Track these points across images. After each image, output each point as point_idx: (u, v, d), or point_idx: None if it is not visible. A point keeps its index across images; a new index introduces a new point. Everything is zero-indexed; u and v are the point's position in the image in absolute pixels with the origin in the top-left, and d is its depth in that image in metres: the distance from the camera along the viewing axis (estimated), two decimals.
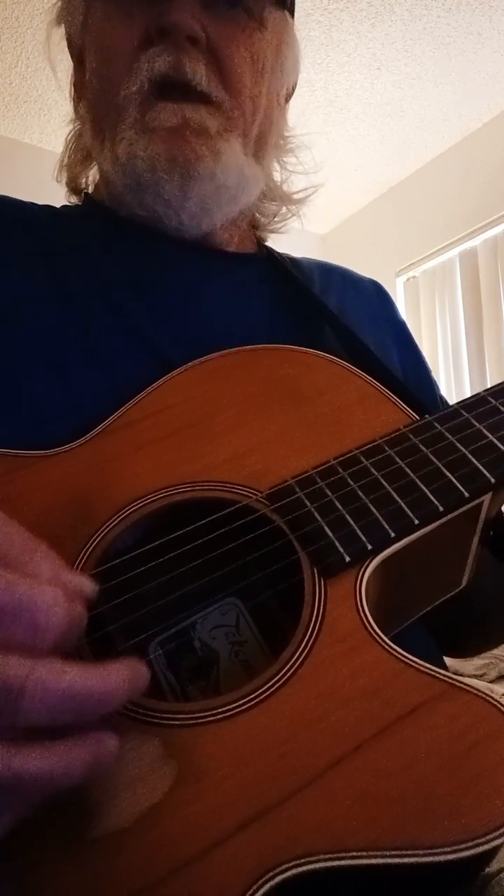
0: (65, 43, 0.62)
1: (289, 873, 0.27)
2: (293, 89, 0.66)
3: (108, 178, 0.59)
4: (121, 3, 0.53)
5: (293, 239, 0.71)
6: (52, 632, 0.27)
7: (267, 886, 0.27)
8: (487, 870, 0.43)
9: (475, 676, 1.75)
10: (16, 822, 0.27)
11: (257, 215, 0.68)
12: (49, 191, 0.69)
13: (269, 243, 0.71)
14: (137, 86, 0.51)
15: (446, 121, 2.59)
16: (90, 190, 0.66)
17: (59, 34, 0.62)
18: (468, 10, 2.04)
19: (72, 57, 0.62)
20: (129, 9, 0.52)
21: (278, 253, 0.69)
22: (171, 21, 0.50)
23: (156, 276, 0.57)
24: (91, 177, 0.65)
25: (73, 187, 0.66)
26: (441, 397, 0.69)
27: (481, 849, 0.27)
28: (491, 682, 1.75)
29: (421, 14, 2.04)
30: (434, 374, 0.70)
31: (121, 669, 0.28)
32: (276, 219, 0.69)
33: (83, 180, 0.65)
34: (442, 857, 0.27)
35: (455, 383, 2.73)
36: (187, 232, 0.57)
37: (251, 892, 0.27)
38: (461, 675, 1.72)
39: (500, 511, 0.47)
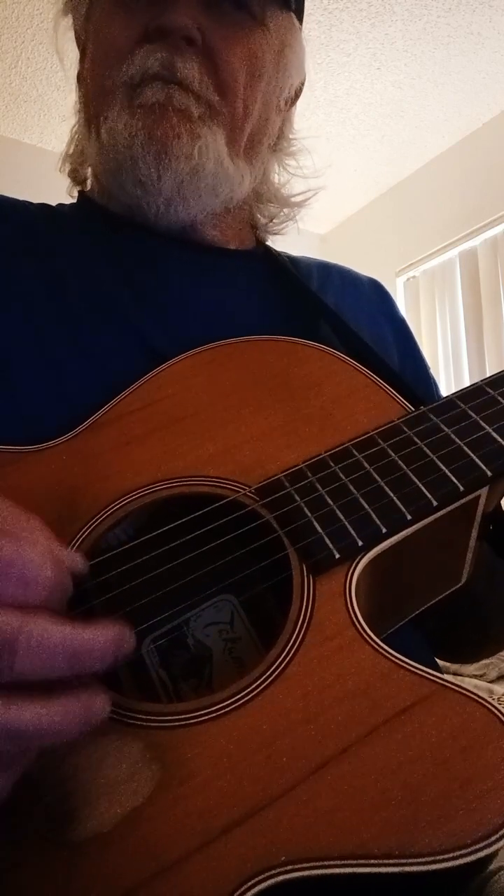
0: (71, 33, 0.62)
1: (271, 881, 0.26)
2: (298, 93, 0.65)
3: (96, 170, 0.60)
4: (122, 0, 0.54)
5: (293, 239, 0.71)
6: (41, 586, 0.27)
7: (249, 894, 0.26)
8: (487, 867, 0.42)
9: (475, 676, 1.73)
10: (13, 782, 0.27)
11: (257, 215, 0.67)
12: (49, 191, 0.69)
13: (267, 242, 0.70)
14: (128, 77, 0.52)
15: (446, 121, 2.58)
16: (90, 182, 0.66)
17: (66, 24, 0.63)
18: (468, 10, 2.03)
19: (79, 48, 0.62)
20: (131, 6, 0.53)
21: (276, 251, 0.68)
22: (168, 21, 0.50)
23: (147, 271, 0.57)
24: (89, 171, 0.66)
25: (75, 177, 0.66)
26: (440, 396, 0.67)
27: (470, 858, 0.26)
28: (491, 681, 1.74)
29: (421, 14, 2.04)
30: (434, 375, 0.70)
31: (111, 627, 0.28)
32: (274, 221, 0.68)
33: (84, 171, 0.66)
34: (429, 867, 0.26)
35: (455, 383, 2.72)
36: (166, 219, 0.57)
37: None
38: (461, 675, 1.70)
39: (500, 505, 0.46)
